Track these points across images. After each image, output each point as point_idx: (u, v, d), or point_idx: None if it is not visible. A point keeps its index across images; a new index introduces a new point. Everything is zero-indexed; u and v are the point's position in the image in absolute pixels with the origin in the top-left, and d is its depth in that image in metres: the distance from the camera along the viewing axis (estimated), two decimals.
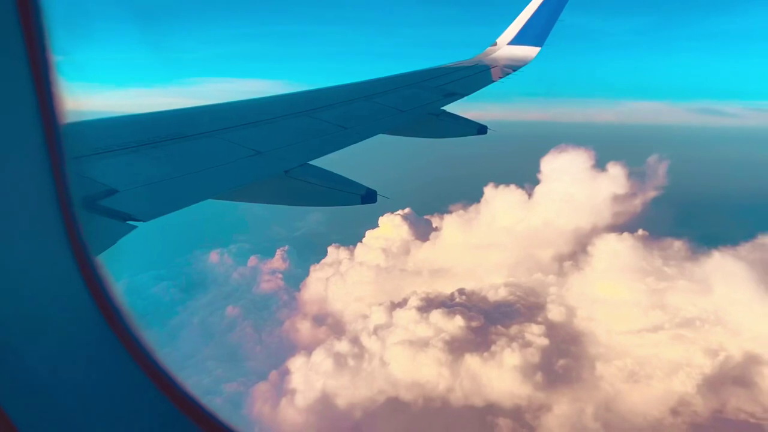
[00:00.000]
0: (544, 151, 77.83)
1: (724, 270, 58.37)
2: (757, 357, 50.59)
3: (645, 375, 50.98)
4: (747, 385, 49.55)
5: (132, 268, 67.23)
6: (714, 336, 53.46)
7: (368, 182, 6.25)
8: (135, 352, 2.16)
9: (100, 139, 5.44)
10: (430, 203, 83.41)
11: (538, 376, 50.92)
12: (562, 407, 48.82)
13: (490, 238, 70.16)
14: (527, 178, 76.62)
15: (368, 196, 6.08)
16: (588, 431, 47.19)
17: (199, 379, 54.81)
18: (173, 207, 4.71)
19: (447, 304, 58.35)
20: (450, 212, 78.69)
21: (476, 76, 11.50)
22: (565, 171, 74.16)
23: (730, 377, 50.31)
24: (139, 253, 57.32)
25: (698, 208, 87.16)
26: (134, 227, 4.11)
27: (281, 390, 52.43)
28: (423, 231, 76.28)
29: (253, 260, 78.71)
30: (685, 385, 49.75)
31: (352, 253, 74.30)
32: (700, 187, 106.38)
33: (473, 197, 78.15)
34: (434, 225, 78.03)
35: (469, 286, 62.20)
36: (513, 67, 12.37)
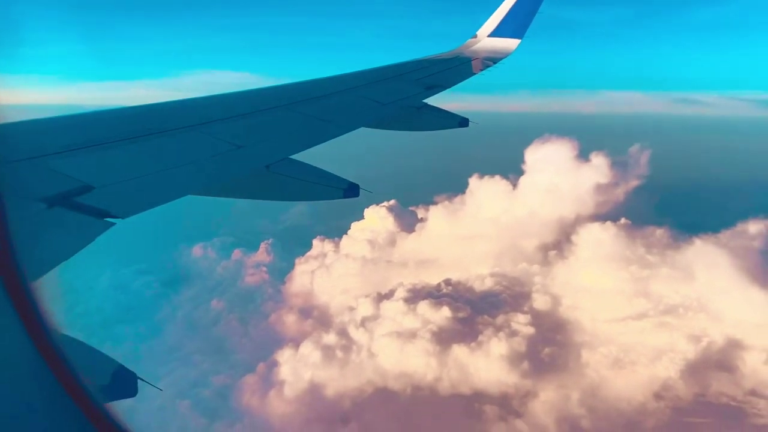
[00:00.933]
0: (527, 142, 78.22)
1: (706, 257, 59.16)
2: (739, 342, 51.48)
3: (629, 361, 51.64)
4: (729, 370, 50.48)
5: (114, 263, 66.63)
6: (696, 322, 54.27)
7: (351, 175, 6.22)
8: (75, 393, 1.92)
9: (77, 135, 5.35)
10: (415, 195, 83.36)
11: (525, 364, 51.44)
12: (548, 394, 49.39)
13: (476, 229, 70.38)
14: (511, 169, 76.98)
15: (350, 190, 6.05)
16: (574, 416, 47.82)
17: (185, 372, 54.60)
18: (152, 203, 4.61)
19: (434, 295, 58.53)
20: (435, 203, 78.90)
21: (457, 68, 11.50)
22: (548, 161, 74.50)
23: (713, 362, 51.17)
24: (120, 248, 56.65)
25: (679, 197, 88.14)
26: (112, 224, 4.05)
27: (270, 382, 52.36)
28: (408, 222, 76.29)
29: (237, 254, 78.00)
30: (668, 370, 50.53)
31: (337, 245, 74.07)
32: (681, 176, 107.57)
33: (458, 188, 78.36)
34: (420, 216, 78.00)
35: (455, 276, 62.41)
36: (493, 59, 12.36)
